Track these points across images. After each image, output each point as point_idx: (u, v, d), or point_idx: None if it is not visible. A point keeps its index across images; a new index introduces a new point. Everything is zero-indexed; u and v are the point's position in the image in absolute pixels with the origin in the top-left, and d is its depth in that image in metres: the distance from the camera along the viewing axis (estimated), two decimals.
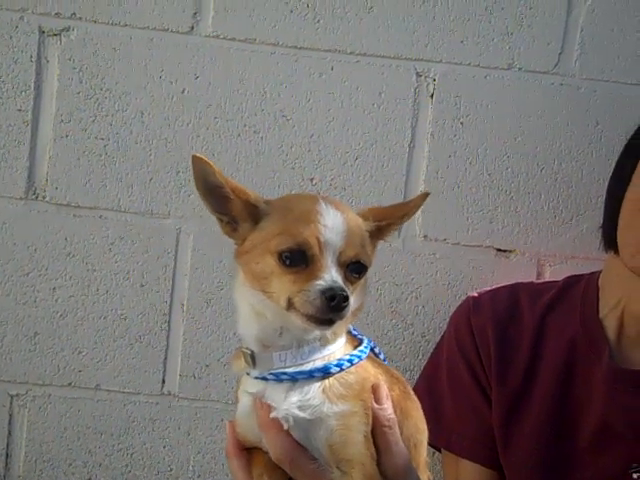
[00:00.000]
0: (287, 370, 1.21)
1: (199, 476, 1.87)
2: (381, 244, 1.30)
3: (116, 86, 1.81)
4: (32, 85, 1.80)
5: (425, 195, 1.31)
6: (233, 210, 1.22)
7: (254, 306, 1.22)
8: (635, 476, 1.55)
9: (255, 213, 1.22)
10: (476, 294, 1.77)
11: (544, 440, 1.63)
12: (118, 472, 1.86)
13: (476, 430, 1.70)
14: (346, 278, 1.17)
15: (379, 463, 1.21)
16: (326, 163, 1.84)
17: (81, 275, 1.83)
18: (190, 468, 1.87)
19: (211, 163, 1.20)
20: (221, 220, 1.25)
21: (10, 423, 1.84)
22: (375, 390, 1.23)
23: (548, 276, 1.87)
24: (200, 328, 1.84)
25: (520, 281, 1.80)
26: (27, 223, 1.81)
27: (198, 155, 1.20)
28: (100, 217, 1.82)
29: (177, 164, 1.82)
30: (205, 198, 1.22)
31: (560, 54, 1.85)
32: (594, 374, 1.61)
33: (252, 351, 1.23)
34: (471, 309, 1.73)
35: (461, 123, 1.85)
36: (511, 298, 1.74)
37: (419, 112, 1.85)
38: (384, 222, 1.27)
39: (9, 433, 1.85)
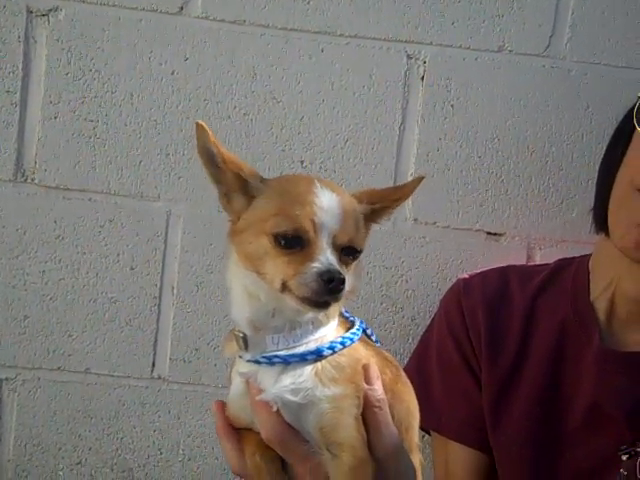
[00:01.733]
0: (279, 353, 1.20)
1: (189, 460, 1.87)
2: (372, 227, 1.29)
3: (105, 67, 1.79)
4: (20, 66, 1.78)
5: (420, 179, 1.31)
6: (225, 180, 1.22)
7: (247, 287, 1.22)
8: (624, 457, 1.56)
9: (247, 188, 1.21)
10: (467, 276, 1.77)
11: (534, 422, 1.63)
12: (108, 456, 1.86)
13: (466, 412, 1.71)
14: (340, 260, 1.16)
15: (369, 444, 1.21)
16: (316, 145, 1.83)
17: (71, 258, 1.82)
18: (180, 452, 1.87)
19: (209, 131, 1.19)
20: (219, 190, 1.24)
21: None
22: (365, 370, 1.23)
23: (538, 259, 1.87)
24: (190, 311, 1.84)
25: (511, 264, 1.80)
26: (16, 206, 1.80)
27: (200, 122, 1.20)
28: (90, 200, 1.81)
29: (167, 146, 1.81)
30: (206, 166, 1.22)
31: (551, 37, 1.84)
32: (584, 356, 1.62)
33: (244, 334, 1.23)
34: (462, 291, 1.74)
35: (451, 106, 1.85)
36: (502, 280, 1.74)
37: (409, 94, 1.84)
38: (378, 205, 1.26)
39: None
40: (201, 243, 1.82)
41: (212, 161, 1.21)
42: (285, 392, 1.19)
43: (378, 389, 1.23)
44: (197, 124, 1.20)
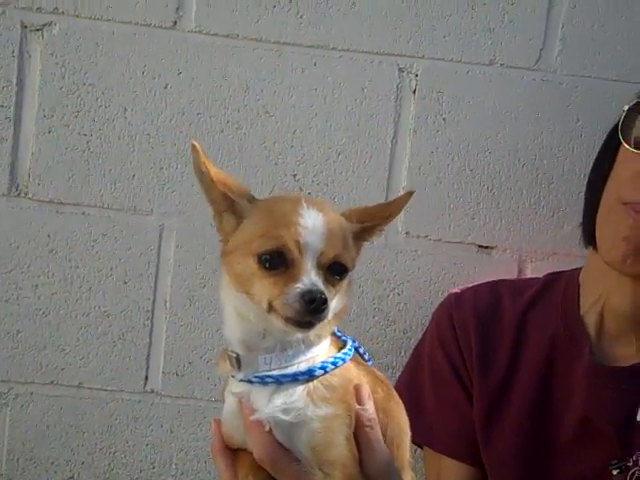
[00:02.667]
0: (272, 373, 1.21)
1: (182, 474, 1.87)
2: (363, 246, 1.30)
3: (99, 81, 1.80)
4: (14, 80, 1.79)
5: (409, 194, 1.31)
6: (215, 200, 1.23)
7: (238, 308, 1.23)
8: (615, 472, 1.57)
9: (235, 208, 1.22)
10: (458, 290, 1.77)
11: (525, 436, 1.64)
12: (100, 470, 1.86)
13: (457, 426, 1.71)
14: (327, 280, 1.17)
15: (361, 463, 1.22)
16: (309, 159, 1.84)
17: (64, 272, 1.82)
18: (173, 466, 1.87)
19: (200, 151, 1.21)
20: (212, 210, 1.26)
21: None
22: (357, 390, 1.24)
23: (529, 273, 1.88)
24: (183, 325, 1.84)
25: (502, 278, 1.81)
26: (9, 220, 1.81)
27: (193, 142, 1.22)
28: (83, 214, 1.82)
29: (160, 160, 1.82)
30: (201, 185, 1.23)
31: (541, 50, 1.85)
32: (575, 370, 1.63)
33: (237, 354, 1.23)
34: (453, 305, 1.74)
35: (443, 119, 1.86)
36: (493, 294, 1.74)
37: (401, 108, 1.85)
38: (368, 223, 1.27)
39: None
40: (194, 257, 1.83)
41: (204, 180, 1.22)
42: (277, 412, 1.20)
43: (369, 409, 1.24)
44: (191, 144, 1.21)
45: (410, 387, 1.73)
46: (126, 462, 1.86)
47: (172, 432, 1.86)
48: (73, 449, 1.85)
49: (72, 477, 1.86)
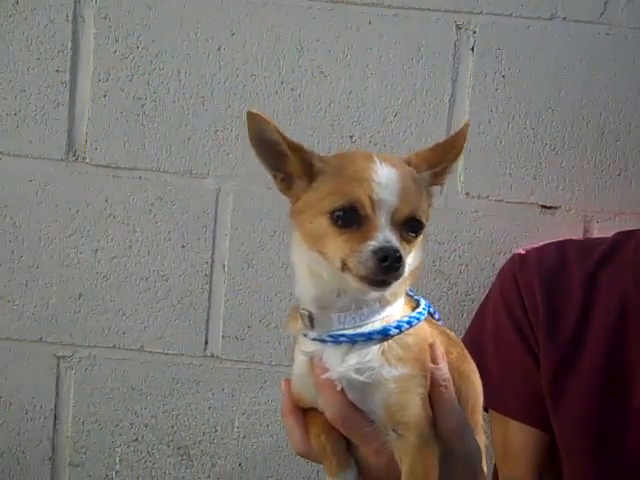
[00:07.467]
0: (346, 332, 1.19)
1: (244, 437, 1.87)
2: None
3: (152, 44, 1.79)
4: (69, 45, 1.79)
5: (466, 126, 1.27)
6: (289, 167, 1.20)
7: (310, 266, 1.20)
8: None
9: (310, 171, 1.19)
10: (523, 251, 1.73)
11: (596, 399, 1.60)
12: (164, 433, 1.87)
13: (523, 388, 1.68)
14: (402, 237, 1.14)
15: (435, 424, 1.20)
16: (365, 119, 1.81)
17: (122, 236, 1.83)
18: (235, 429, 1.87)
19: (268, 119, 1.17)
20: (275, 177, 1.22)
21: (57, 385, 1.86)
22: (431, 349, 1.22)
23: (596, 233, 1.83)
24: (241, 289, 1.84)
25: (566, 238, 1.76)
26: (68, 185, 1.82)
27: (253, 111, 1.18)
28: (139, 178, 1.82)
29: (215, 123, 1.81)
30: (260, 154, 1.20)
31: (606, 2, 1.79)
32: None
33: (310, 312, 1.21)
34: (517, 266, 1.70)
35: (503, 76, 1.81)
36: (559, 254, 1.70)
37: (459, 66, 1.81)
38: (438, 168, 1.24)
39: (57, 394, 1.86)
40: (251, 220, 1.82)
41: (269, 149, 1.19)
42: (350, 371, 1.18)
43: (444, 368, 1.22)
44: (249, 113, 1.17)
45: (474, 350, 1.68)
46: (189, 425, 1.87)
47: (233, 396, 1.86)
48: (137, 411, 1.87)
49: (136, 439, 1.88)
